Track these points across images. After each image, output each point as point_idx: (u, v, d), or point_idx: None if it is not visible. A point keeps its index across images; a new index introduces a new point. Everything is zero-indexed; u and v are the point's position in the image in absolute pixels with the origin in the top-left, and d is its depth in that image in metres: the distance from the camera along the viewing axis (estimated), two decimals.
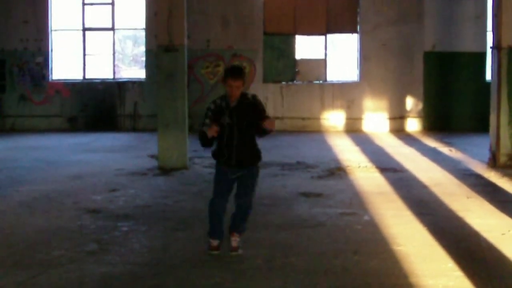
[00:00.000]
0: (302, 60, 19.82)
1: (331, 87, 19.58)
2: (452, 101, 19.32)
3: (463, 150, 14.80)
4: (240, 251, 6.79)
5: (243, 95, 6.67)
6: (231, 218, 6.90)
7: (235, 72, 6.63)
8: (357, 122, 19.47)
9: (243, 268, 6.37)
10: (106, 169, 12.28)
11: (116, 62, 21.05)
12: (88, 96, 19.80)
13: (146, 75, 19.80)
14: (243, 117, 6.61)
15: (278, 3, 19.51)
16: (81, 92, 19.81)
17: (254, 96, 6.77)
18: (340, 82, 19.97)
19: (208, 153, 13.53)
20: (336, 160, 13.38)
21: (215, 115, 6.64)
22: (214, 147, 6.81)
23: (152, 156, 13.49)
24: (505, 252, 6.84)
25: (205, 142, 6.65)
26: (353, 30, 19.71)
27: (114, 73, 20.42)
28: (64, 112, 19.77)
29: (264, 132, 6.62)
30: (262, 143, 6.97)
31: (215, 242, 6.82)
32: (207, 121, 6.62)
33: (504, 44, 12.35)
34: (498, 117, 12.41)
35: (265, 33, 19.56)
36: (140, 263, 6.54)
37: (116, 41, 21.27)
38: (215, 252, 6.79)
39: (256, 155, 6.84)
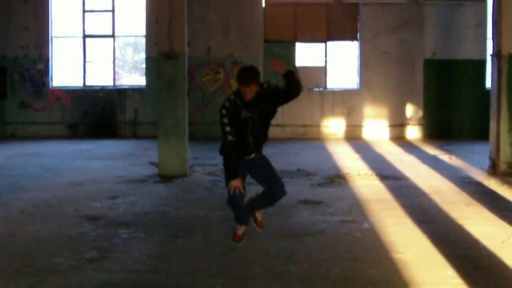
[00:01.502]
0: (303, 68, 19.84)
1: (331, 94, 19.61)
2: (452, 108, 19.35)
3: (463, 157, 14.80)
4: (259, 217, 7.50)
5: (261, 87, 6.78)
6: (259, 199, 7.27)
7: (248, 78, 6.60)
8: (357, 129, 19.49)
9: (244, 276, 6.36)
10: (106, 176, 12.28)
11: (116, 69, 21.08)
12: (88, 103, 19.83)
13: (146, 82, 19.84)
14: (263, 109, 6.77)
15: (278, 10, 19.55)
16: (81, 99, 19.84)
17: (268, 84, 6.85)
18: (340, 89, 19.99)
19: (208, 160, 13.59)
20: (336, 168, 13.39)
21: (230, 117, 6.70)
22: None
23: (153, 164, 13.49)
24: (504, 260, 6.83)
25: (228, 159, 6.81)
26: (353, 38, 19.76)
27: (114, 80, 20.45)
28: (64, 119, 19.81)
29: (292, 88, 6.76)
30: (263, 150, 7.04)
31: (241, 230, 7.28)
32: (228, 129, 6.67)
33: (504, 51, 12.37)
34: (498, 125, 12.42)
35: (265, 41, 19.60)
36: (140, 271, 6.53)
37: (117, 48, 21.35)
38: (239, 244, 7.23)
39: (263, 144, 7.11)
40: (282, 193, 7.10)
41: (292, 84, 6.71)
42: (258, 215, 7.53)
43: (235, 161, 6.72)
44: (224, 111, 6.70)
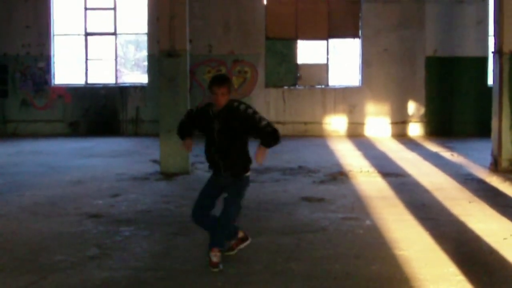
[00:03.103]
0: (304, 65, 19.86)
1: (333, 92, 19.61)
2: (454, 106, 19.34)
3: (465, 154, 14.79)
4: (221, 266, 6.45)
5: (231, 102, 6.53)
6: (211, 233, 6.67)
7: (219, 80, 6.57)
8: (359, 126, 19.49)
9: (245, 273, 6.35)
10: (108, 174, 12.29)
11: (118, 67, 21.08)
12: (90, 101, 19.84)
13: (148, 80, 19.84)
14: (228, 124, 6.47)
15: (279, 8, 19.54)
16: (83, 97, 19.85)
17: (240, 104, 6.54)
18: (342, 87, 19.98)
19: None
20: (338, 165, 13.38)
21: (193, 118, 6.82)
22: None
23: (154, 161, 13.49)
24: (506, 257, 6.82)
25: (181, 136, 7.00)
26: (354, 35, 19.75)
27: (116, 78, 20.46)
28: (66, 117, 19.82)
29: (267, 140, 6.50)
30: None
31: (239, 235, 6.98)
32: (184, 118, 6.95)
33: (506, 49, 12.35)
34: (500, 122, 12.41)
35: (267, 38, 19.60)
36: (142, 268, 6.53)
37: (118, 46, 21.39)
38: (248, 242, 7.01)
39: (242, 165, 6.65)
40: (222, 216, 6.59)
41: (267, 141, 6.55)
42: (214, 256, 6.52)
43: (182, 128, 6.93)
44: (194, 109, 6.89)
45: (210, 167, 6.88)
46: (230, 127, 6.48)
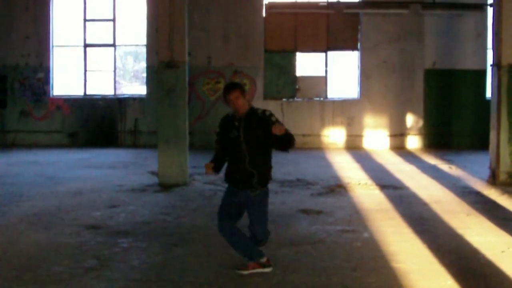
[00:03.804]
0: (303, 77, 19.90)
1: (332, 104, 19.63)
2: (453, 118, 19.37)
3: (463, 167, 14.81)
4: (244, 271, 6.66)
5: (252, 109, 6.66)
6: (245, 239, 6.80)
7: (228, 87, 6.67)
8: (357, 139, 19.51)
9: (243, 285, 6.36)
10: (106, 185, 12.28)
11: (117, 78, 21.11)
12: (88, 112, 19.84)
13: (147, 91, 19.86)
14: (251, 130, 6.53)
15: (278, 20, 19.58)
16: (82, 108, 19.85)
17: (264, 111, 6.65)
18: (340, 99, 20.00)
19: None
20: (336, 177, 13.39)
21: (223, 131, 6.73)
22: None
23: (153, 173, 13.50)
24: (504, 270, 6.83)
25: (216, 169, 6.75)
26: (353, 48, 19.79)
27: (115, 89, 20.48)
28: (64, 128, 19.82)
29: (282, 143, 6.49)
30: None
31: (262, 260, 6.80)
32: (217, 138, 6.80)
33: (504, 62, 12.39)
34: (498, 135, 12.44)
35: (265, 50, 19.64)
36: (140, 280, 6.53)
37: (117, 57, 21.42)
38: (268, 270, 6.77)
39: (264, 177, 6.67)
40: (258, 234, 6.75)
41: (281, 148, 6.59)
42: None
43: (217, 158, 6.78)
44: (221, 121, 6.85)
45: (228, 179, 6.78)
46: (254, 132, 6.55)
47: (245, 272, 6.68)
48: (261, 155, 6.64)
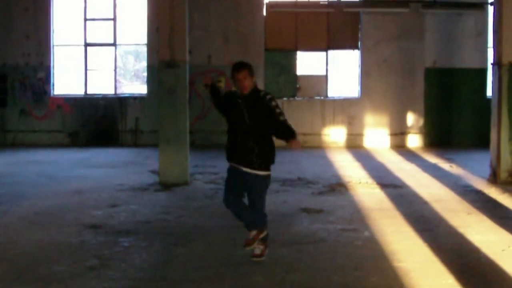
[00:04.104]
0: (303, 76, 19.90)
1: (332, 103, 19.63)
2: (453, 117, 19.37)
3: (463, 166, 14.81)
4: (257, 250, 7.07)
5: (256, 89, 6.96)
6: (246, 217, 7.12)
7: (238, 65, 6.93)
8: (358, 138, 19.50)
9: (244, 284, 6.36)
10: (107, 185, 12.28)
11: (117, 78, 21.10)
12: (89, 111, 19.83)
13: (147, 91, 19.85)
14: (252, 109, 6.81)
15: (279, 19, 19.57)
16: (82, 108, 19.85)
17: (265, 94, 6.92)
18: (341, 98, 20.01)
19: (208, 169, 13.59)
20: (337, 176, 13.39)
21: (227, 98, 7.12)
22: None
23: (153, 172, 13.49)
24: (505, 268, 6.83)
25: (215, 98, 7.17)
26: (354, 46, 19.79)
27: (115, 88, 20.47)
28: (65, 127, 19.81)
29: (283, 136, 6.76)
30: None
31: (251, 234, 7.03)
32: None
33: (505, 60, 12.39)
34: (498, 133, 12.44)
35: (266, 49, 19.63)
36: (141, 279, 6.53)
37: (118, 56, 21.42)
38: (248, 248, 7.04)
39: (265, 156, 6.92)
40: (256, 209, 7.14)
41: (281, 138, 6.84)
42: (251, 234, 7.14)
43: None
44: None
45: (234, 158, 7.00)
46: (255, 112, 6.82)
47: (253, 248, 7.04)
48: (261, 134, 6.88)
